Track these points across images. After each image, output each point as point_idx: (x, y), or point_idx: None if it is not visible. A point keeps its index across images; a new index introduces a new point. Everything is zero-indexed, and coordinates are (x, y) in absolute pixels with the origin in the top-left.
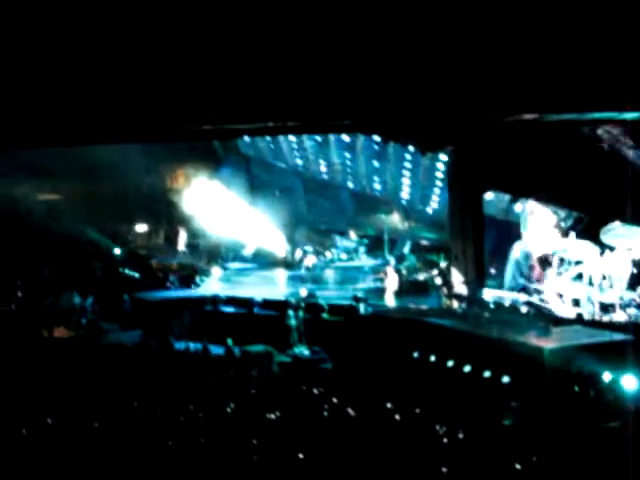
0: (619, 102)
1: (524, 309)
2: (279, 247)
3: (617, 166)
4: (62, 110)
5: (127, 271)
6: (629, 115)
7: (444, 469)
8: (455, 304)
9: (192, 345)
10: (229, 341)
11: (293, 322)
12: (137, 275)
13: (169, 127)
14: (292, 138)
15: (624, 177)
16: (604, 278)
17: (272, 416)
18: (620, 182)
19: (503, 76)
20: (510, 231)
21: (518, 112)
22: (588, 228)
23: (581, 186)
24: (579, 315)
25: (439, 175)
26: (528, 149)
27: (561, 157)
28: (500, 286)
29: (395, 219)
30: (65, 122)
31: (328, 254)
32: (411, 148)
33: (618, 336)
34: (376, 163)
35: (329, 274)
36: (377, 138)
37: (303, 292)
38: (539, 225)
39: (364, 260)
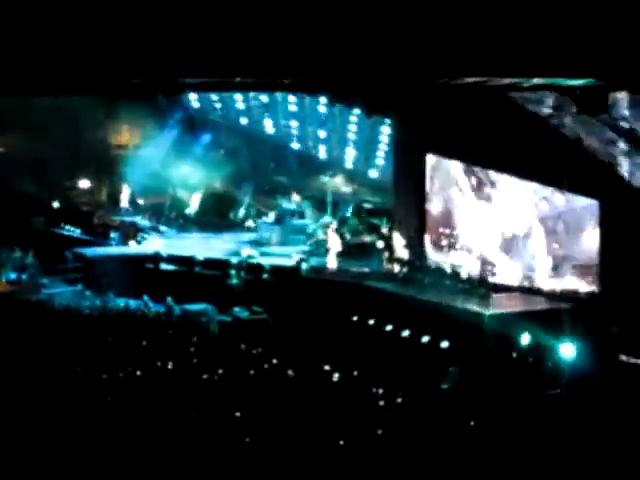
0: (563, 68)
1: (465, 275)
2: (223, 206)
3: (550, 136)
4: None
5: (68, 227)
6: (574, 82)
7: (379, 431)
8: (396, 268)
9: (132, 302)
10: (169, 299)
11: (234, 282)
12: (79, 231)
13: (115, 79)
14: (239, 97)
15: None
16: None
17: (211, 375)
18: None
19: (449, 39)
20: None
21: (462, 75)
22: None
23: (519, 154)
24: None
25: (384, 139)
26: (470, 114)
27: (501, 123)
28: None
29: (339, 182)
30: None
31: (271, 214)
32: (356, 110)
33: (557, 304)
34: (322, 125)
35: (272, 234)
36: (323, 100)
37: (245, 252)
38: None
39: (307, 221)
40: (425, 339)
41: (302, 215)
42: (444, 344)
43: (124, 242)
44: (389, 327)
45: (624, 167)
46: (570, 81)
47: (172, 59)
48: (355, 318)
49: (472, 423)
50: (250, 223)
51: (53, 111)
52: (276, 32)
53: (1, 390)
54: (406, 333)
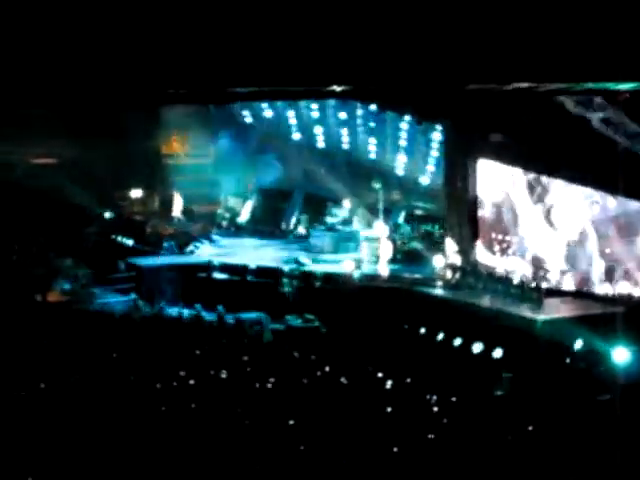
0: (613, 73)
1: (517, 280)
2: (274, 214)
3: (602, 141)
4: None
5: (120, 237)
6: (623, 86)
7: (432, 436)
8: (449, 274)
9: (185, 311)
10: (220, 308)
11: (287, 290)
12: (131, 241)
13: (165, 90)
14: (289, 106)
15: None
16: None
17: (265, 383)
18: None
19: (499, 45)
20: None
21: (513, 80)
22: None
23: (570, 159)
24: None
25: (435, 145)
26: (522, 119)
27: (552, 128)
28: None
29: (390, 188)
30: (61, 80)
31: (323, 222)
32: (407, 117)
33: (610, 308)
34: (373, 132)
35: (324, 242)
36: (374, 107)
37: (297, 260)
38: None
39: (359, 228)
40: (478, 346)
41: (353, 222)
42: (497, 352)
43: (177, 251)
44: (441, 335)
45: None
46: (620, 85)
47: (222, 68)
48: (407, 325)
49: (529, 428)
50: (302, 231)
51: (103, 121)
52: (327, 40)
53: (56, 396)
54: (458, 341)
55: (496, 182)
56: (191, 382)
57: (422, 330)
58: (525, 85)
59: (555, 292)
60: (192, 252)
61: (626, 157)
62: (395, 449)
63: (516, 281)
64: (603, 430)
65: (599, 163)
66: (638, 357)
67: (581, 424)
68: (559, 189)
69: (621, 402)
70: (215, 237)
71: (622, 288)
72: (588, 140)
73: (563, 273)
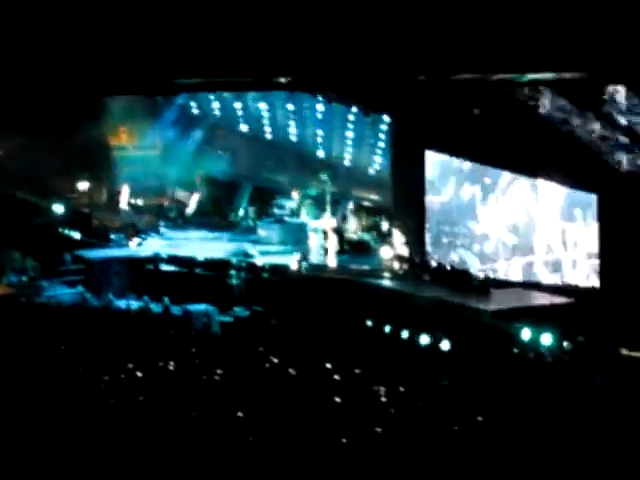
0: (558, 63)
1: (465, 271)
2: (223, 206)
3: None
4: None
5: (68, 230)
6: (567, 76)
7: (379, 429)
8: (396, 265)
9: (133, 303)
10: (166, 300)
11: (234, 282)
12: (78, 234)
13: (112, 80)
14: (236, 97)
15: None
16: None
17: (213, 375)
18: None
19: (446, 36)
20: None
21: (458, 71)
22: None
23: (515, 147)
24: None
25: (382, 137)
26: (468, 110)
27: (499, 119)
28: None
29: (338, 180)
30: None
31: (271, 214)
32: (354, 109)
33: (557, 299)
34: (320, 124)
35: (272, 234)
36: (321, 99)
37: (245, 252)
38: None
39: (306, 220)
40: (425, 338)
41: (301, 214)
42: (444, 344)
43: (124, 243)
44: (388, 327)
45: (622, 160)
46: (564, 75)
47: (169, 59)
48: (355, 317)
49: (477, 419)
50: (250, 222)
51: (49, 113)
52: (273, 31)
53: (4, 391)
54: (405, 334)
55: (444, 174)
56: (139, 374)
57: (369, 323)
58: (470, 76)
59: (503, 283)
60: (139, 244)
61: (569, 147)
62: (344, 440)
63: (464, 272)
64: (551, 419)
65: (543, 153)
66: (585, 347)
67: (528, 414)
68: (506, 180)
69: (567, 392)
70: (162, 229)
71: (569, 279)
72: (535, 130)
73: (510, 265)
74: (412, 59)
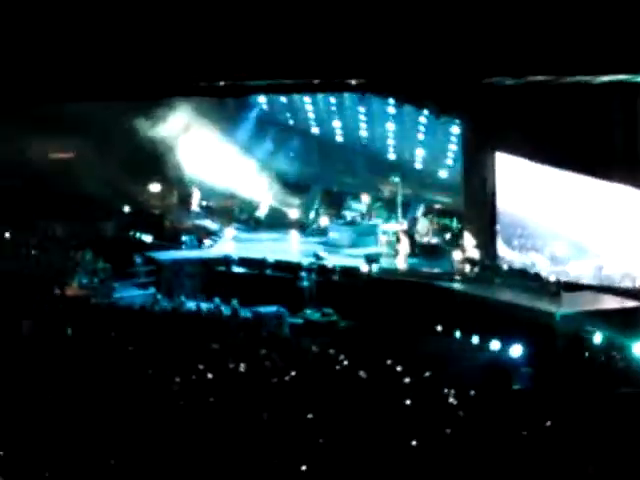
0: (632, 65)
1: (536, 274)
2: (293, 208)
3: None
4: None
5: (139, 231)
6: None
7: (448, 430)
8: (467, 268)
9: (204, 305)
10: (235, 302)
11: (305, 284)
12: (149, 237)
13: (183, 82)
14: (307, 99)
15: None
16: None
17: (283, 377)
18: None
19: (519, 38)
20: None
21: (532, 73)
22: None
23: (591, 151)
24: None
25: (453, 139)
26: (542, 113)
27: (574, 121)
28: None
29: (409, 182)
30: (82, 76)
31: (342, 216)
32: (426, 111)
33: (628, 303)
34: (391, 126)
35: (342, 236)
36: (392, 101)
37: (316, 254)
38: None
39: (377, 223)
40: (496, 344)
41: (372, 216)
42: (516, 349)
43: (195, 245)
44: (459, 332)
45: None
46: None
47: (240, 61)
48: (426, 320)
49: (546, 424)
50: (320, 224)
51: (121, 115)
52: (344, 32)
53: (76, 390)
54: (476, 339)
55: (515, 176)
56: (209, 376)
57: (439, 327)
58: (544, 78)
59: (574, 286)
60: (211, 246)
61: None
62: (414, 442)
63: (535, 275)
64: (623, 425)
65: (618, 156)
66: None
67: (600, 419)
68: (575, 183)
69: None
70: (234, 231)
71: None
72: (608, 132)
73: (581, 267)
74: (484, 61)
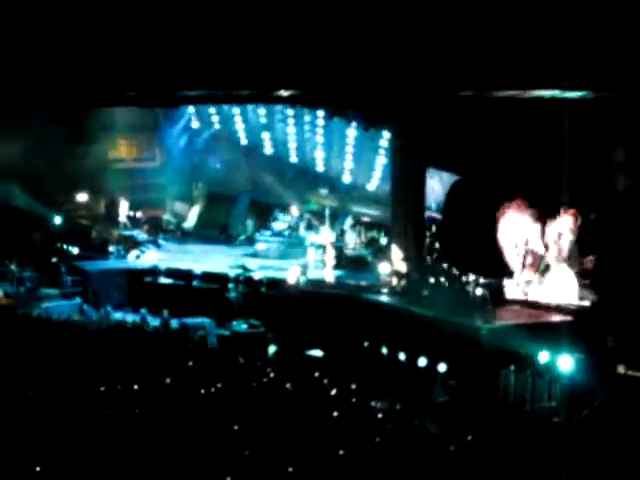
0: (562, 81)
1: (463, 287)
2: (221, 219)
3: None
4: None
5: (66, 242)
6: (571, 94)
7: (377, 439)
8: (394, 281)
9: (130, 315)
10: (165, 313)
11: (232, 295)
12: (76, 249)
13: (113, 91)
14: (237, 111)
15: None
16: None
17: (210, 388)
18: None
19: (448, 52)
20: None
21: (460, 87)
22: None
23: (524, 167)
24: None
25: (382, 152)
26: (471, 128)
27: (504, 136)
28: None
29: (336, 195)
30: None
31: (270, 228)
32: (354, 124)
33: (556, 317)
34: (320, 139)
35: (270, 248)
36: (321, 113)
37: (244, 265)
38: None
39: (305, 235)
40: (423, 361)
41: (298, 228)
42: (442, 366)
43: (122, 256)
44: (385, 347)
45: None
46: (569, 93)
47: (171, 71)
48: (352, 332)
49: (467, 438)
50: (248, 236)
51: (49, 125)
52: (274, 44)
53: (2, 401)
54: (402, 357)
55: (443, 189)
56: (135, 387)
57: (365, 343)
58: (472, 92)
59: (501, 300)
60: (138, 257)
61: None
62: (341, 452)
63: (461, 289)
64: (547, 440)
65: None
66: (581, 365)
67: (524, 431)
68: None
69: (566, 409)
70: (161, 242)
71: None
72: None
73: (507, 281)
74: (413, 75)
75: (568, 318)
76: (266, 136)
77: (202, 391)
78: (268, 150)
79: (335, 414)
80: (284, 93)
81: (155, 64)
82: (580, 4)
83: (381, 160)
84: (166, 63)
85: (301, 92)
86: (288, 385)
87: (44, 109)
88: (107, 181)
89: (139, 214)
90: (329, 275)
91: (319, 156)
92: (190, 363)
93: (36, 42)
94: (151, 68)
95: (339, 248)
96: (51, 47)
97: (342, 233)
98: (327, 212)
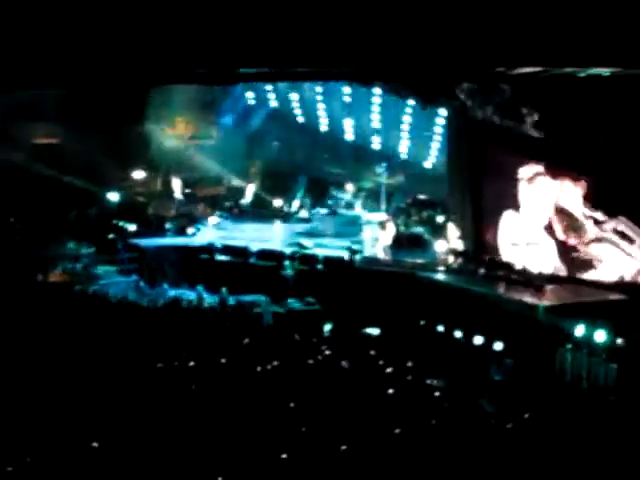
0: (616, 59)
1: (520, 266)
2: (277, 197)
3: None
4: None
5: (122, 222)
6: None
7: (433, 417)
8: (451, 259)
9: (187, 293)
10: (223, 290)
11: (288, 273)
12: (133, 226)
13: (171, 70)
14: (293, 89)
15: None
16: None
17: (265, 366)
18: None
19: (506, 29)
20: None
21: (517, 65)
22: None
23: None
24: None
25: (439, 130)
26: (532, 104)
27: (564, 114)
28: None
29: (394, 173)
30: (70, 63)
31: (326, 205)
32: (411, 102)
33: (612, 295)
34: (376, 117)
35: (326, 225)
36: (378, 91)
37: (300, 243)
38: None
39: (361, 212)
40: (479, 339)
41: (354, 206)
42: (498, 344)
43: (179, 233)
44: (441, 325)
45: None
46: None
47: (228, 49)
48: (409, 310)
49: (524, 416)
50: (304, 214)
51: (106, 102)
52: (331, 21)
53: (59, 379)
54: (459, 335)
55: (501, 168)
56: (191, 364)
57: (422, 321)
58: (529, 70)
59: (558, 279)
60: (194, 234)
61: None
62: (397, 431)
63: (518, 267)
64: (603, 420)
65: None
66: (635, 344)
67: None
68: (557, 180)
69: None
70: (217, 219)
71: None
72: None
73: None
74: (470, 52)
75: (624, 297)
76: (322, 114)
77: (258, 368)
78: (324, 128)
79: (390, 392)
80: (340, 70)
81: (212, 42)
82: None
83: (438, 138)
84: (223, 41)
85: (357, 69)
86: (344, 363)
87: (109, 88)
88: (164, 158)
89: (196, 191)
90: (385, 253)
91: (376, 133)
92: (246, 340)
93: (103, 22)
94: (208, 46)
95: (395, 226)
96: (116, 27)
97: (398, 211)
98: (383, 190)
